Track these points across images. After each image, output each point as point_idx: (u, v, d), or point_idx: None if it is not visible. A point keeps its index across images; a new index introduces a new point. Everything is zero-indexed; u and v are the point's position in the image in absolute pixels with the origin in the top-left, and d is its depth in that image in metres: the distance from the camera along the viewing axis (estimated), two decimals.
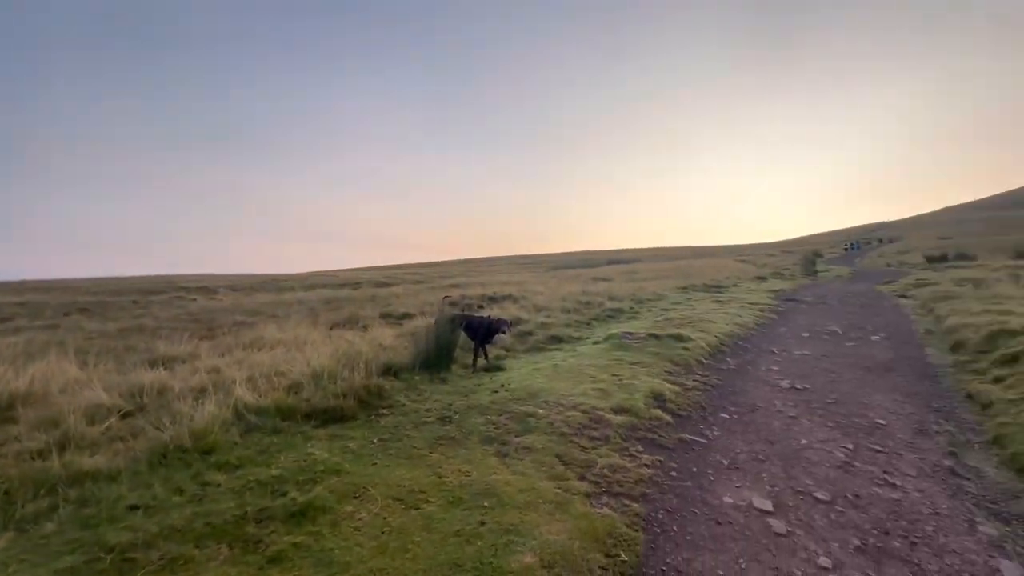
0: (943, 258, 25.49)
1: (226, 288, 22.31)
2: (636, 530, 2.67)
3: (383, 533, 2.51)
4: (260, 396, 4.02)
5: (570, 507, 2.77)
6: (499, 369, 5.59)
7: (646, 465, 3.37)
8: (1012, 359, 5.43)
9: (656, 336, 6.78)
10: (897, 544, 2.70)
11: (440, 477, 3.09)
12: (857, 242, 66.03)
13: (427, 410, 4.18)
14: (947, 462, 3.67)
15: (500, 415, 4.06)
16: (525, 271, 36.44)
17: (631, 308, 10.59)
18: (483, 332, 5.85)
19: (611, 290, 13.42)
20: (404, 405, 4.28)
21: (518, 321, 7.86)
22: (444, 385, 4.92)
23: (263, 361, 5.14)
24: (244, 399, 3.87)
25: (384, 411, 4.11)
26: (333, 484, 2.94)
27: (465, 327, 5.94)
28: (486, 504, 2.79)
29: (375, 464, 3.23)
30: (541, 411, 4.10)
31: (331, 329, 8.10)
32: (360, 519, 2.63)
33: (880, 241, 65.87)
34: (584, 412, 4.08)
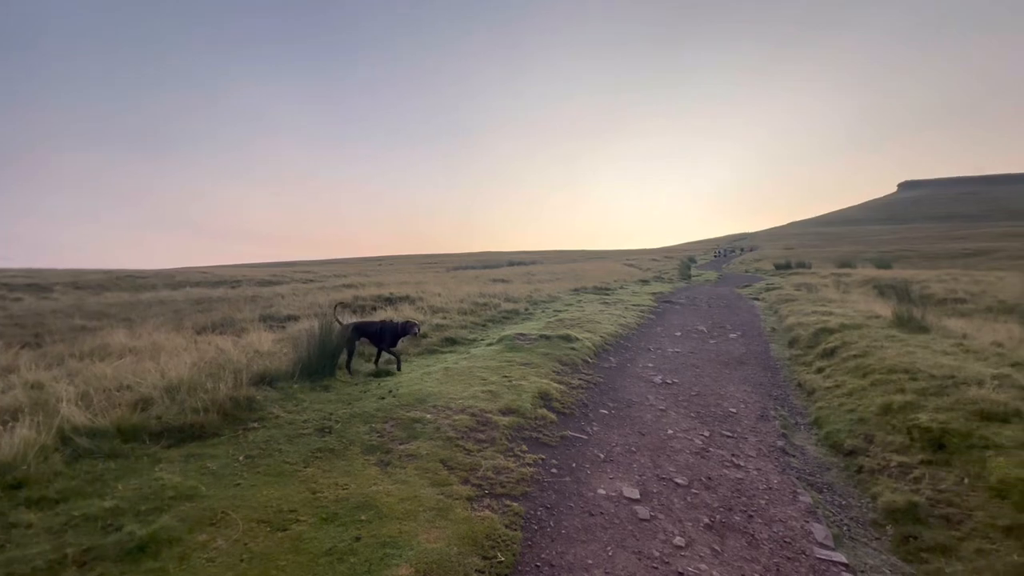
0: (788, 266, 29.92)
1: (65, 285, 18.88)
2: (515, 529, 2.74)
3: (242, 561, 2.28)
4: (96, 415, 3.44)
5: (451, 513, 2.76)
6: (388, 374, 5.41)
7: (529, 464, 3.48)
8: (830, 352, 6.52)
9: (547, 337, 7.05)
10: (738, 518, 3.09)
11: (314, 493, 2.89)
12: (724, 250, 75.77)
13: (304, 421, 3.90)
14: (780, 443, 4.29)
15: (385, 422, 3.93)
16: (425, 271, 35.83)
17: (526, 310, 10.89)
18: (390, 337, 5.60)
19: (509, 291, 13.70)
20: (279, 417, 3.94)
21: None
22: (327, 393, 4.63)
23: (105, 373, 4.42)
24: (73, 420, 3.29)
25: (254, 424, 3.76)
26: (185, 511, 2.62)
27: (364, 333, 5.63)
28: (363, 518, 2.67)
29: (238, 484, 2.93)
30: (429, 416, 4.04)
31: (198, 334, 7.22)
32: (216, 548, 2.37)
33: (742, 250, 75.59)
34: (472, 415, 4.10)
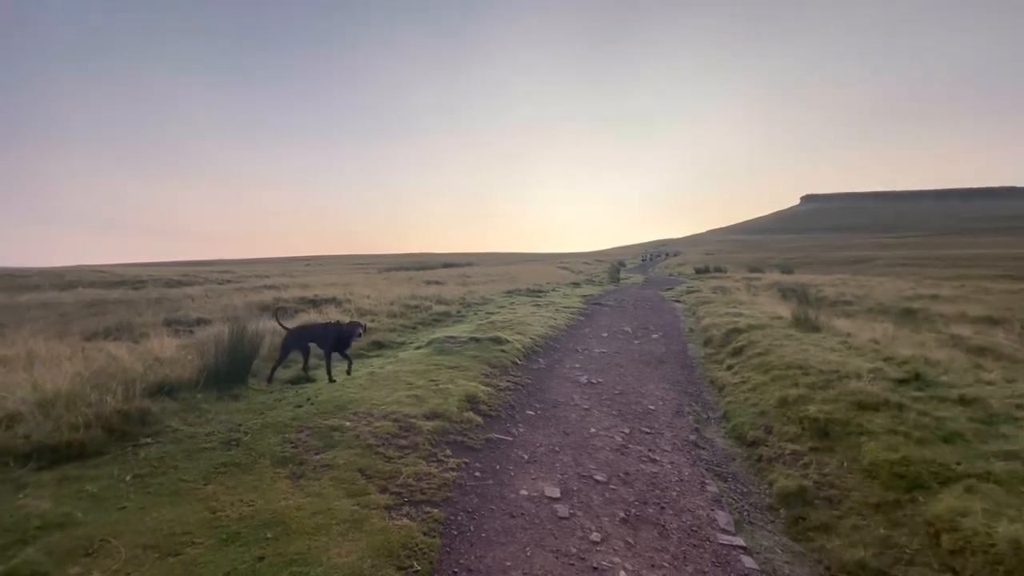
0: (706, 270, 32.09)
1: None
2: (434, 536, 2.68)
3: None
4: None
5: (366, 524, 2.65)
6: (308, 380, 5.13)
7: (452, 469, 3.43)
8: (739, 351, 7.05)
9: (477, 340, 7.03)
10: (651, 511, 3.23)
11: (214, 512, 2.67)
12: (652, 254, 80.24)
13: (208, 434, 3.59)
14: (692, 437, 4.56)
15: (300, 432, 3.71)
16: (356, 272, 34.54)
17: (459, 312, 10.81)
18: (333, 340, 5.27)
19: (441, 293, 13.53)
20: (178, 430, 3.61)
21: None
22: (236, 403, 4.31)
23: None
24: None
25: (147, 440, 3.40)
26: (54, 541, 2.32)
27: (310, 336, 5.29)
28: (269, 536, 2.50)
29: (123, 508, 2.64)
30: (348, 424, 3.87)
31: (87, 340, 6.45)
32: None
33: (667, 254, 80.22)
34: (395, 421, 3.99)
